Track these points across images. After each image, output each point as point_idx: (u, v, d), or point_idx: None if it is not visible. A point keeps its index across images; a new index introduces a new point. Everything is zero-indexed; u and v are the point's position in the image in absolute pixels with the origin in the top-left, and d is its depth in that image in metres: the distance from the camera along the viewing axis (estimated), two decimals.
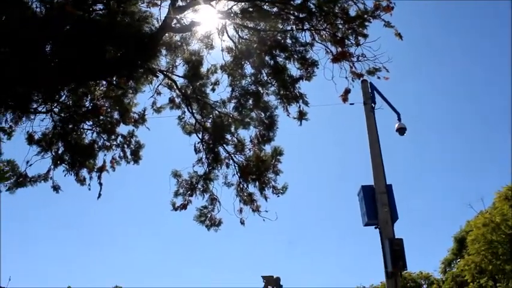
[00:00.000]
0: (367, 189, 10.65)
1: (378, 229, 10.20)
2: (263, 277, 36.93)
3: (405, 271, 10.64)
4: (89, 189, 9.51)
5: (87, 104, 9.45)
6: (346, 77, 9.38)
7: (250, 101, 9.16)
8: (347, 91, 9.73)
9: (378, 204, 10.28)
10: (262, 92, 9.23)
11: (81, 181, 9.44)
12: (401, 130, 12.51)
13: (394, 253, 9.41)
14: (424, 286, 34.42)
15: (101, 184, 9.53)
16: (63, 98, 8.67)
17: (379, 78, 9.16)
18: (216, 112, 9.29)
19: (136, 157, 10.06)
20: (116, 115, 9.78)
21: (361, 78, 9.89)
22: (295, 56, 9.10)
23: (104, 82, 8.57)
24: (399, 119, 12.60)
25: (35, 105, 8.23)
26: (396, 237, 9.89)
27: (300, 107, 8.90)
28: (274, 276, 38.17)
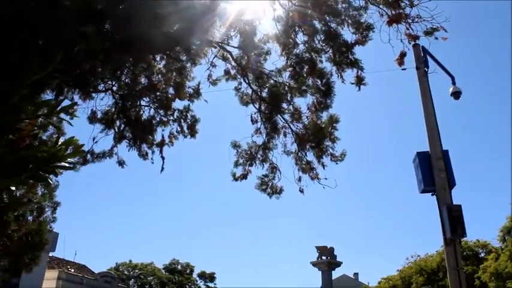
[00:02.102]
0: (422, 155, 10.56)
1: (434, 196, 10.11)
2: (317, 247, 37.29)
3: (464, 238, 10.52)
4: (152, 163, 9.80)
5: (143, 80, 9.63)
6: (401, 40, 9.19)
7: (306, 69, 9.10)
8: (403, 54, 9.55)
9: (434, 171, 10.18)
10: (316, 59, 9.15)
11: (144, 156, 9.71)
12: (456, 94, 12.27)
13: (453, 220, 9.33)
14: (482, 255, 33.75)
15: (163, 158, 9.81)
16: (122, 75, 8.84)
17: (436, 38, 8.91)
18: (272, 81, 9.31)
19: (192, 131, 10.24)
20: (171, 90, 9.93)
21: (417, 41, 9.68)
22: (349, 21, 8.97)
23: (163, 56, 8.72)
24: (454, 83, 12.35)
25: (94, 84, 8.44)
26: (454, 203, 9.80)
27: (357, 72, 8.80)
28: (328, 247, 38.53)
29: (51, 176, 5.31)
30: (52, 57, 5.43)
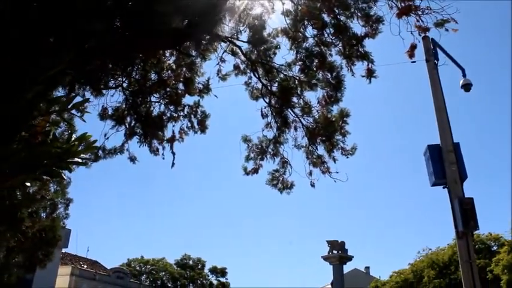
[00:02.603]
0: (433, 148, 10.50)
1: (446, 189, 10.06)
2: (328, 242, 37.34)
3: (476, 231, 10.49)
4: (163, 158, 9.85)
5: (152, 76, 9.67)
6: (411, 32, 9.13)
7: (315, 63, 9.09)
8: (413, 47, 9.49)
9: (445, 164, 10.12)
10: (326, 52, 9.13)
11: (155, 151, 9.77)
12: (467, 86, 12.18)
13: (465, 213, 9.28)
14: (494, 248, 33.48)
15: (173, 153, 9.87)
16: (132, 71, 8.89)
17: (447, 30, 8.84)
18: (282, 75, 9.31)
19: (203, 127, 10.27)
20: (181, 86, 9.96)
21: (427, 33, 9.62)
22: (359, 14, 8.93)
23: (172, 52, 8.76)
24: (464, 75, 12.25)
25: (106, 81, 8.49)
26: (466, 196, 9.74)
27: (368, 64, 8.76)
28: (339, 241, 38.52)
29: (65, 172, 5.38)
30: (64, 54, 5.48)
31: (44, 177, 6.07)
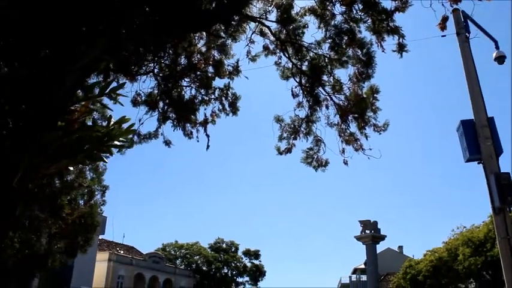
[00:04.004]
0: (466, 123, 10.33)
1: (481, 164, 9.92)
2: (360, 221, 37.37)
3: None
4: (197, 141, 9.99)
5: (182, 61, 9.75)
6: (442, 4, 8.93)
7: (345, 40, 9.00)
8: (445, 19, 9.29)
9: (479, 139, 9.96)
10: (355, 29, 9.03)
11: (189, 135, 9.91)
12: (501, 59, 11.88)
13: (501, 188, 9.15)
14: None
15: (207, 136, 9.98)
16: (164, 56, 8.99)
17: (480, 0, 8.62)
18: (312, 54, 9.26)
19: (234, 109, 10.31)
20: (210, 69, 10.03)
21: (459, 4, 9.39)
22: None
23: (201, 35, 8.82)
24: (497, 47, 11.94)
25: (141, 65, 8.61)
26: (502, 171, 9.59)
27: (399, 39, 8.64)
28: (371, 221, 38.49)
29: (106, 155, 5.54)
30: (99, 40, 5.59)
31: (86, 160, 6.26)
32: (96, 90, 5.59)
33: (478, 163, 9.90)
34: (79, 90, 5.65)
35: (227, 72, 9.99)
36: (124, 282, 47.23)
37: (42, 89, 5.27)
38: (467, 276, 35.12)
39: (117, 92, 5.80)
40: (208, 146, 9.96)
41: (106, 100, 6.87)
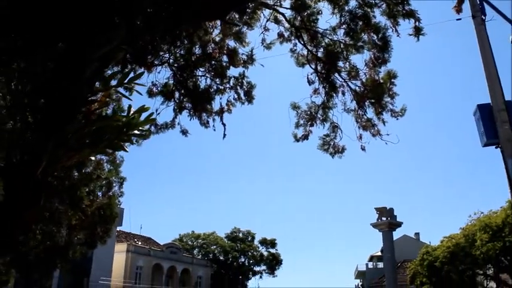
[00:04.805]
0: (483, 107, 10.20)
1: (499, 148, 9.82)
2: (376, 209, 37.31)
3: None
4: (214, 130, 10.01)
5: (197, 51, 9.76)
6: None
7: (360, 25, 8.93)
8: (460, 1, 9.22)
9: (497, 123, 9.85)
10: (370, 14, 8.96)
11: (205, 124, 9.94)
12: None
13: None
14: None
15: (224, 124, 10.00)
16: (179, 46, 9.01)
17: None
18: (327, 40, 9.21)
19: (249, 97, 10.32)
20: (225, 59, 10.03)
21: None
22: None
23: (215, 24, 8.82)
24: None
25: (158, 55, 8.65)
26: None
27: (415, 22, 8.56)
28: (387, 208, 38.43)
29: (126, 144, 5.60)
30: (117, 31, 5.63)
31: (108, 150, 6.33)
32: (114, 82, 5.66)
33: (496, 147, 9.81)
34: (98, 81, 5.71)
35: (241, 62, 9.98)
36: (142, 272, 47.80)
37: (61, 80, 5.34)
38: (485, 262, 34.88)
39: (135, 81, 5.85)
40: (224, 135, 10.00)
41: (122, 91, 6.91)
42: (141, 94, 5.84)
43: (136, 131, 5.39)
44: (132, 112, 5.29)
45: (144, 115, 5.42)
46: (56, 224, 14.81)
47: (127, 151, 5.43)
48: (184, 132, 9.99)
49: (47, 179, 5.14)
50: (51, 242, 15.38)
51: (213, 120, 10.02)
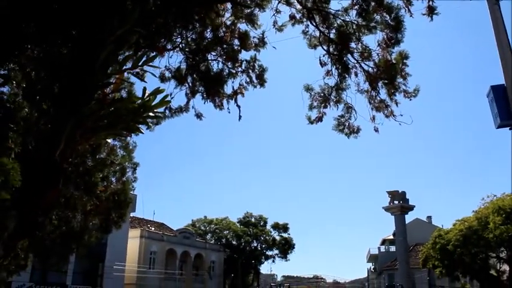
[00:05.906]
0: (497, 88, 10.08)
1: None
2: (388, 192, 37.33)
3: None
4: (229, 112, 10.04)
5: (208, 35, 9.75)
6: None
7: (372, 5, 8.86)
8: None
9: (511, 104, 9.76)
10: None
11: (219, 106, 9.95)
12: None
13: None
14: None
15: (238, 106, 10.02)
16: (191, 29, 9.00)
17: None
18: (339, 21, 9.15)
19: (261, 81, 10.31)
20: (236, 42, 10.00)
21: None
22: None
23: (225, 8, 8.81)
24: None
25: (168, 40, 8.65)
26: None
27: (428, 1, 8.46)
28: (400, 191, 38.55)
29: (142, 126, 5.66)
30: (131, 13, 5.65)
31: (124, 132, 6.41)
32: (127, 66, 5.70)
33: (510, 129, 9.73)
34: (112, 65, 5.76)
35: (253, 45, 9.96)
36: (156, 257, 48.32)
37: (77, 64, 5.38)
38: (498, 245, 34.77)
39: (150, 64, 5.88)
40: (240, 117, 10.03)
41: (133, 78, 6.95)
42: (155, 76, 5.90)
43: (151, 113, 5.45)
44: (147, 94, 5.34)
45: (159, 97, 5.48)
46: (72, 209, 15.00)
47: (143, 133, 5.49)
48: (198, 115, 10.03)
49: (66, 161, 5.22)
50: (67, 227, 15.58)
51: (227, 102, 10.05)
